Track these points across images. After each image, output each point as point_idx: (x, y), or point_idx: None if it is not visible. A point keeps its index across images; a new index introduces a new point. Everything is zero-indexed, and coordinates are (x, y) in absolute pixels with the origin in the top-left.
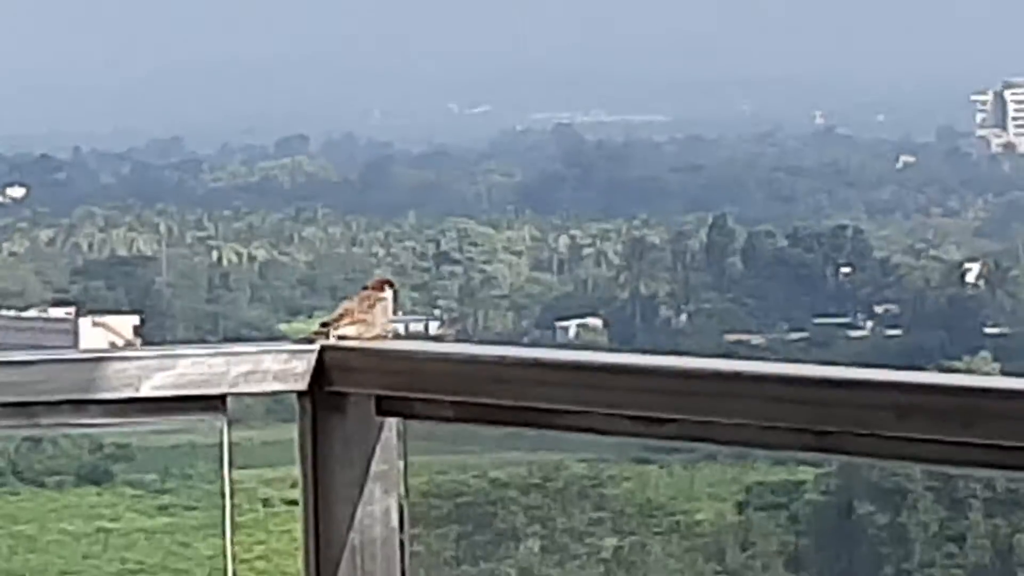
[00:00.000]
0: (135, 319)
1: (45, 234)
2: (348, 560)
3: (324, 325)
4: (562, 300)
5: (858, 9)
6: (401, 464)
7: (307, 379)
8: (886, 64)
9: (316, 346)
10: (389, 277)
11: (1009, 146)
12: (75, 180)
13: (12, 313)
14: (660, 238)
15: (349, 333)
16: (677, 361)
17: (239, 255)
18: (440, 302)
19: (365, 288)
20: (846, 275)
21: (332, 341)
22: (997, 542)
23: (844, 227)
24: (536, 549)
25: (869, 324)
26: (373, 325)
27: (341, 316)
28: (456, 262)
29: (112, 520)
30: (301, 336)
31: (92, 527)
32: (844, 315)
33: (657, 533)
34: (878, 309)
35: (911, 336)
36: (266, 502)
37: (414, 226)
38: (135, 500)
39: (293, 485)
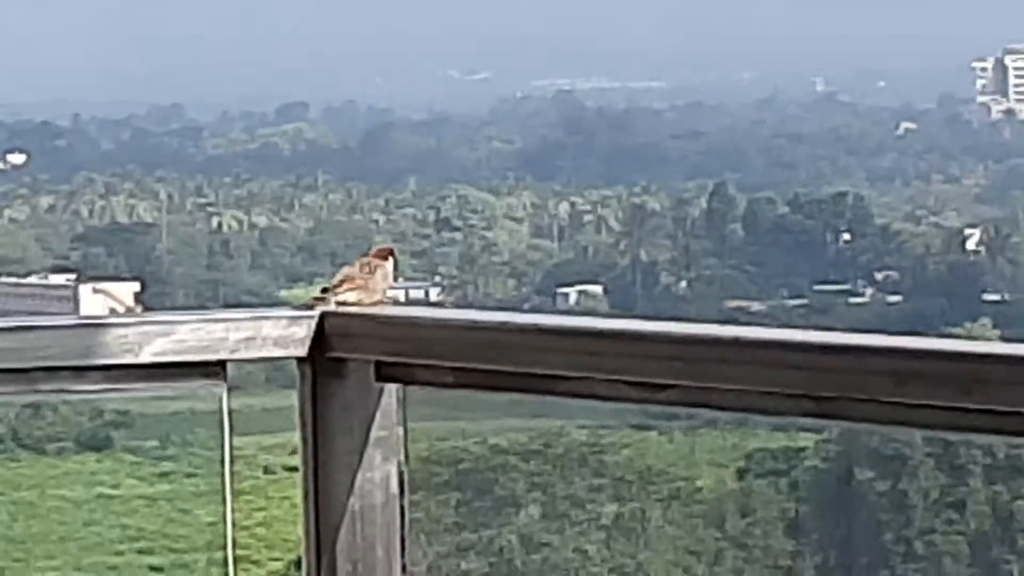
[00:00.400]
0: (135, 286)
1: (45, 201)
2: (348, 526)
3: (324, 291)
4: (562, 267)
5: None
6: (401, 430)
7: (307, 345)
8: (887, 31)
9: (316, 312)
10: (391, 245)
11: (1010, 112)
12: (75, 147)
13: (12, 280)
14: (660, 205)
15: (349, 299)
16: (677, 327)
17: (239, 222)
18: (440, 269)
19: (365, 255)
20: (846, 242)
21: (332, 307)
22: (997, 508)
23: (844, 194)
24: (536, 515)
25: (869, 291)
26: (374, 291)
27: (341, 282)
28: (456, 229)
29: (112, 487)
30: (301, 302)
31: (92, 494)
32: (844, 282)
33: (657, 500)
34: (878, 276)
35: (911, 303)
36: (266, 468)
37: (414, 193)
38: (135, 467)
39: (293, 452)
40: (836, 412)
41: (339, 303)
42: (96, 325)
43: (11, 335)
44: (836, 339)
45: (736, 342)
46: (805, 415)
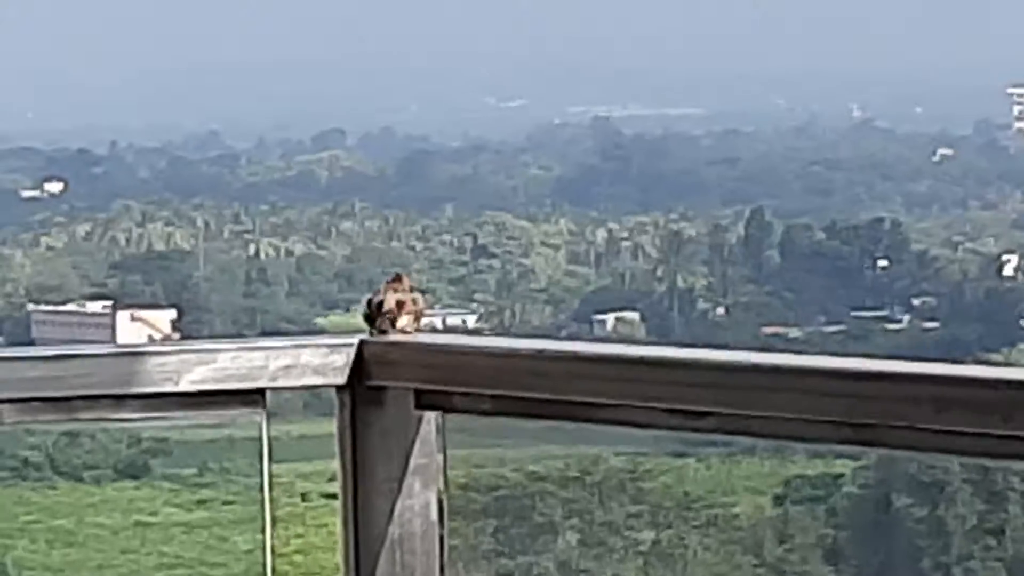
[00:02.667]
0: (172, 313)
1: (83, 228)
2: (387, 554)
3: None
4: (599, 293)
5: (896, 2)
6: (440, 458)
7: (346, 373)
8: (924, 57)
9: (355, 340)
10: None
11: None
12: (112, 174)
13: (50, 307)
14: (697, 231)
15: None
16: (716, 354)
17: (276, 249)
18: (477, 295)
19: (396, 281)
20: (883, 268)
21: (368, 336)
22: None
23: (881, 220)
24: (574, 542)
25: (907, 317)
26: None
27: (400, 306)
28: (493, 255)
29: (150, 514)
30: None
31: (130, 521)
32: (881, 308)
33: (695, 526)
34: (916, 302)
35: (949, 329)
36: (304, 496)
37: (451, 220)
38: (173, 494)
39: (331, 479)
40: (875, 440)
41: (401, 330)
42: (136, 353)
43: (51, 363)
44: (875, 366)
45: (775, 370)
46: (844, 443)
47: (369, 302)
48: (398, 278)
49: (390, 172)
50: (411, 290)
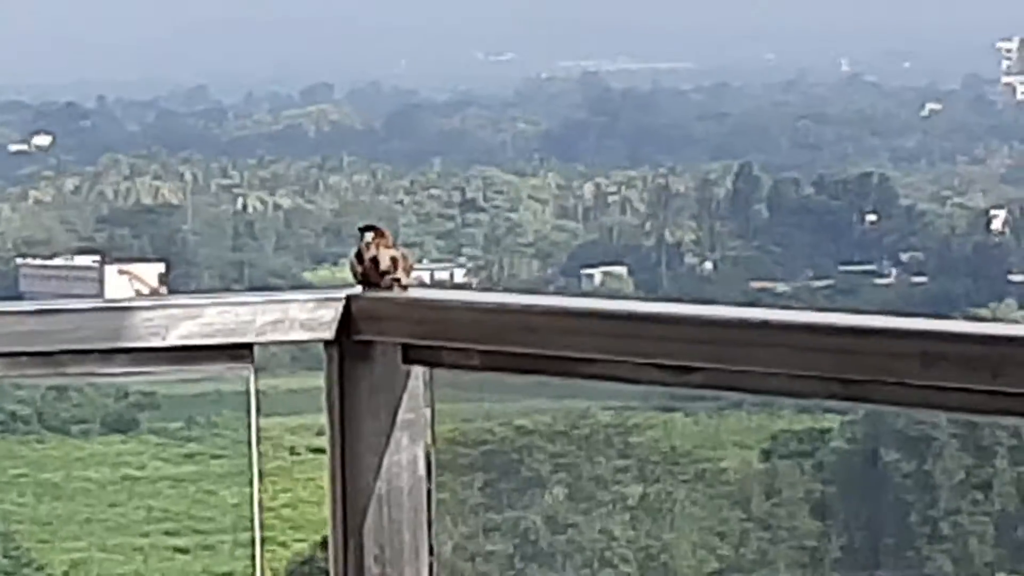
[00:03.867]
0: (160, 267)
1: (71, 182)
2: (375, 508)
3: (384, 274)
4: (587, 248)
5: None
6: (428, 413)
7: (334, 328)
8: (912, 11)
9: (343, 294)
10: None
11: None
12: (100, 128)
13: (38, 261)
14: (685, 186)
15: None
16: (705, 310)
17: (264, 203)
18: (465, 250)
19: (380, 236)
20: (872, 223)
21: (357, 291)
22: (1023, 489)
23: (869, 175)
24: (561, 496)
25: (894, 271)
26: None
27: (394, 263)
28: (481, 210)
29: (137, 468)
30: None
31: (117, 475)
32: (869, 262)
33: (682, 481)
34: (904, 256)
35: (936, 283)
36: (292, 450)
37: (439, 174)
38: (160, 448)
39: (318, 433)
40: (864, 395)
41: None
42: (123, 308)
43: (38, 318)
44: (865, 322)
45: (765, 325)
46: (833, 398)
47: (359, 257)
48: (381, 232)
49: (378, 126)
50: (397, 244)
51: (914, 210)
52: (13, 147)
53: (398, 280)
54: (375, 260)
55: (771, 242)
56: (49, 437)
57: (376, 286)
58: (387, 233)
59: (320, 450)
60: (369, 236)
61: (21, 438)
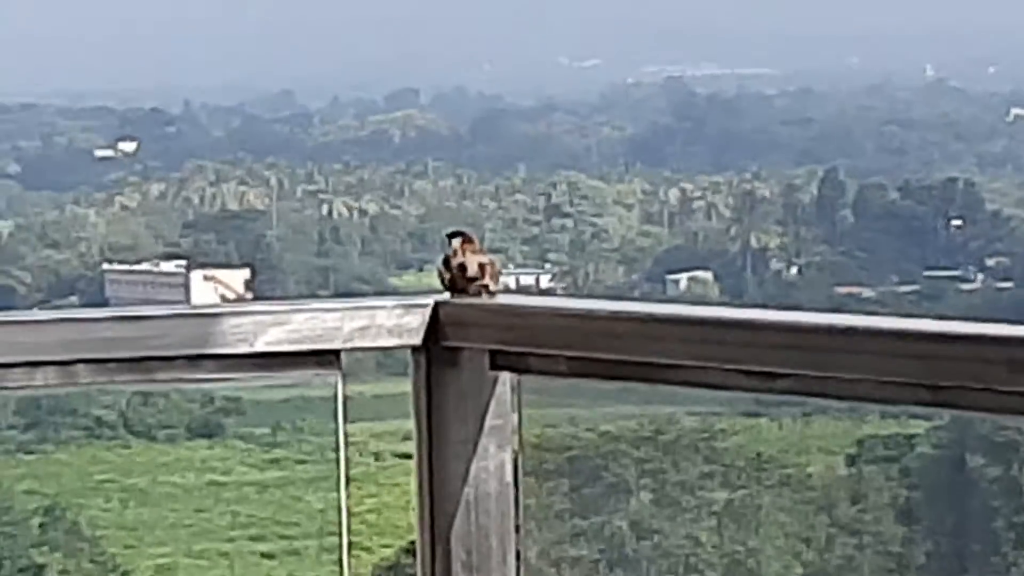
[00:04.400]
0: (246, 273)
1: (156, 188)
2: (463, 515)
3: (472, 280)
4: (672, 253)
5: None
6: (515, 419)
7: (421, 334)
8: (997, 16)
9: (430, 301)
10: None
11: None
12: (185, 134)
13: (124, 267)
14: (771, 191)
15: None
16: (790, 316)
17: (350, 208)
18: (550, 255)
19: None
20: (957, 228)
21: (445, 297)
22: None
23: (955, 180)
24: (647, 502)
25: (980, 277)
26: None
27: (482, 269)
28: (566, 215)
29: (223, 473)
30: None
31: (203, 480)
32: (955, 268)
33: (768, 486)
34: (989, 262)
35: (1023, 289)
36: (377, 455)
37: (524, 179)
38: (246, 454)
39: (404, 439)
40: (952, 401)
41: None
42: (211, 315)
43: (127, 324)
44: (951, 328)
45: (851, 331)
46: (921, 404)
47: (447, 263)
48: (469, 238)
49: (463, 131)
50: (484, 250)
51: (1000, 215)
52: (99, 153)
53: (486, 286)
54: (463, 266)
55: (856, 247)
56: (135, 443)
57: (464, 292)
58: (475, 239)
59: (405, 455)
60: (457, 242)
61: (107, 444)
